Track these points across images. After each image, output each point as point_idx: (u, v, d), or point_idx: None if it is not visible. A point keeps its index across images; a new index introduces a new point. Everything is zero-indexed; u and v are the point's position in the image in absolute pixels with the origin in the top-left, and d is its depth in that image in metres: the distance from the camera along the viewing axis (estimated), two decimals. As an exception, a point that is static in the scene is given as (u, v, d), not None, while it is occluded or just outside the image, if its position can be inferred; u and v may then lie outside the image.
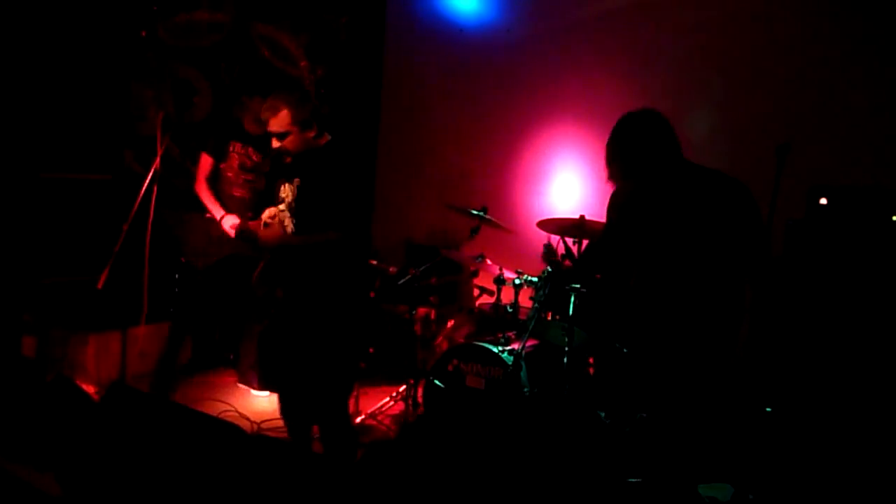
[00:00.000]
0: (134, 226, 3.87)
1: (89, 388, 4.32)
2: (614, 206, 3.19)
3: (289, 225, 3.27)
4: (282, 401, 3.44)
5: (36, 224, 4.70)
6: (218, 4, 5.82)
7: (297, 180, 3.26)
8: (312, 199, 3.21)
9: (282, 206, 3.29)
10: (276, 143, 3.20)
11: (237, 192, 4.27)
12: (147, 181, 3.88)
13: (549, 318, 4.11)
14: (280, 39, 6.05)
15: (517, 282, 4.35)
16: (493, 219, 4.50)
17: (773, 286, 3.42)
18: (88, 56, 5.22)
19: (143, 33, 5.59)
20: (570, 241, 3.99)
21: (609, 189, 3.15)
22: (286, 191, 3.29)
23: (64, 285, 4.88)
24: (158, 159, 3.92)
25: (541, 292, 4.07)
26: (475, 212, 4.45)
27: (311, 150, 3.24)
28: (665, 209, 2.92)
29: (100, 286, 3.75)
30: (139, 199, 3.87)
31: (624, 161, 2.93)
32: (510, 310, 4.40)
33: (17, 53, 4.76)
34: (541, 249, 3.86)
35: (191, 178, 4.44)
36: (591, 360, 4.18)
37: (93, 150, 5.31)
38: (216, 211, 4.16)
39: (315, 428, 3.43)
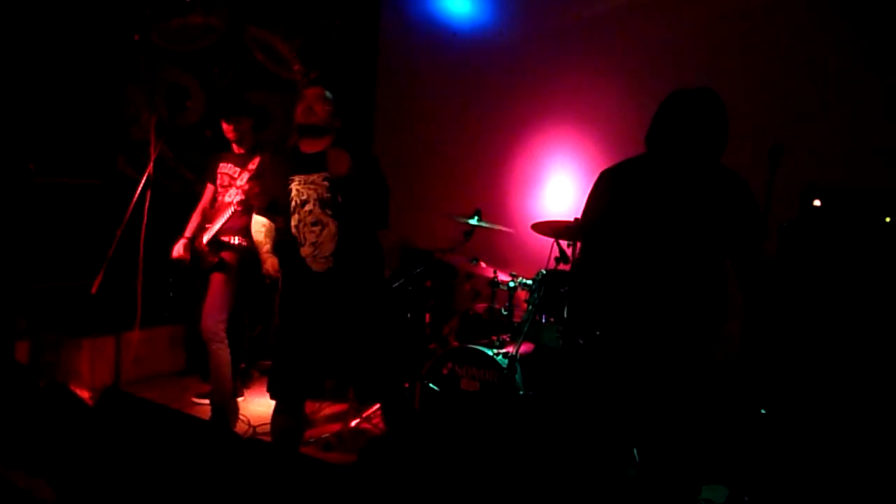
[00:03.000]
0: (128, 230, 3.86)
1: (83, 394, 4.30)
2: (617, 190, 2.88)
3: (330, 223, 3.25)
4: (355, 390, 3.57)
5: (29, 229, 4.68)
6: (211, 8, 5.82)
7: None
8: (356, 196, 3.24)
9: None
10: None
11: (222, 210, 4.25)
12: (140, 186, 3.87)
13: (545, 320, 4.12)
14: (273, 43, 6.04)
15: (512, 285, 4.35)
16: (486, 223, 4.50)
17: (767, 287, 3.42)
18: (81, 60, 5.21)
19: (136, 37, 5.59)
20: (563, 243, 4.00)
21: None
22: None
23: (57, 290, 4.87)
24: (152, 164, 3.91)
25: (535, 295, 4.08)
26: (469, 221, 4.45)
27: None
28: (683, 203, 2.75)
29: (93, 291, 3.73)
30: (133, 203, 3.86)
31: (701, 140, 2.72)
32: (505, 313, 4.40)
33: (8, 57, 4.75)
34: (535, 252, 3.86)
35: (185, 183, 4.45)
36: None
37: (86, 155, 5.31)
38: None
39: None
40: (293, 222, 3.24)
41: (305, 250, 3.22)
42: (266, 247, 3.44)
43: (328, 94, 3.30)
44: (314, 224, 3.21)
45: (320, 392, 3.39)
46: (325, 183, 3.19)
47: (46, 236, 4.86)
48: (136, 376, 4.83)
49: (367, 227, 3.34)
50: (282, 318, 3.41)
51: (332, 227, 3.20)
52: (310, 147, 3.28)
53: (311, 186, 3.22)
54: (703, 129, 2.73)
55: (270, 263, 3.41)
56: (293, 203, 3.24)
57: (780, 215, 3.28)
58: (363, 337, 3.28)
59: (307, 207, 3.22)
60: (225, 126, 4.21)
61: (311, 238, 3.21)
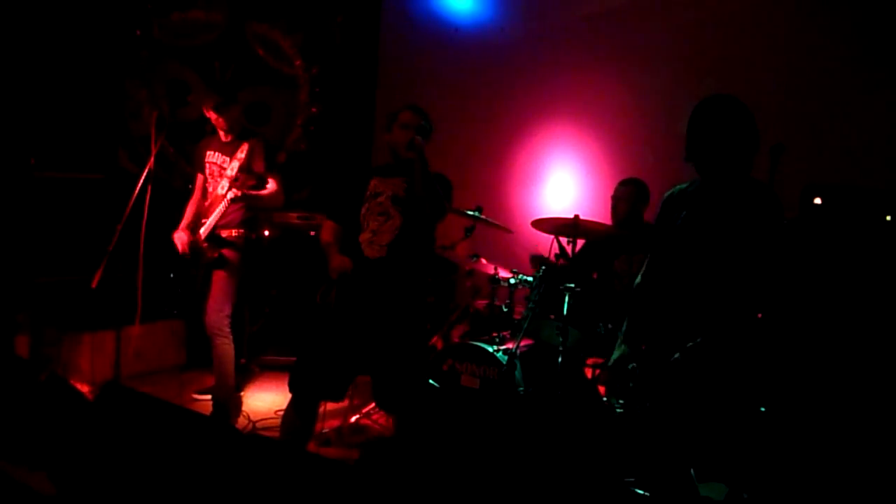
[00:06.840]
0: (128, 225, 3.86)
1: (83, 388, 4.32)
2: (666, 212, 2.99)
3: (396, 217, 3.26)
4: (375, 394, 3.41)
5: (30, 223, 4.69)
6: (212, 3, 5.82)
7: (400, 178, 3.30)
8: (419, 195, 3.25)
9: (381, 199, 3.30)
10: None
11: (215, 203, 4.21)
12: (141, 180, 3.87)
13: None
14: (274, 38, 6.05)
15: (512, 281, 4.35)
16: (488, 218, 4.50)
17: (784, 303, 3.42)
18: (83, 55, 5.21)
19: (138, 32, 5.59)
20: (563, 240, 3.99)
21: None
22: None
23: (58, 285, 4.87)
24: (153, 159, 3.91)
25: (535, 292, 4.08)
26: (470, 212, 4.46)
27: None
28: (708, 220, 2.81)
29: (94, 285, 3.73)
30: (133, 198, 3.86)
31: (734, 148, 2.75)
32: (505, 309, 4.40)
33: (10, 52, 4.75)
34: (536, 249, 3.85)
35: (185, 178, 4.43)
36: (588, 361, 4.19)
37: (87, 150, 5.31)
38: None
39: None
40: (362, 211, 3.30)
41: (364, 235, 3.27)
42: (335, 247, 3.37)
43: (415, 120, 3.42)
44: (380, 214, 3.26)
45: (339, 395, 3.34)
46: (405, 185, 3.27)
47: (47, 231, 4.85)
48: (137, 371, 4.84)
49: (427, 233, 3.38)
50: (323, 305, 3.38)
51: (396, 220, 3.24)
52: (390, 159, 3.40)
53: (389, 184, 3.30)
54: (718, 136, 2.78)
55: (339, 262, 3.25)
56: (367, 194, 3.31)
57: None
58: (396, 336, 3.24)
59: (379, 199, 3.28)
60: (215, 117, 4.16)
61: (374, 225, 3.26)
